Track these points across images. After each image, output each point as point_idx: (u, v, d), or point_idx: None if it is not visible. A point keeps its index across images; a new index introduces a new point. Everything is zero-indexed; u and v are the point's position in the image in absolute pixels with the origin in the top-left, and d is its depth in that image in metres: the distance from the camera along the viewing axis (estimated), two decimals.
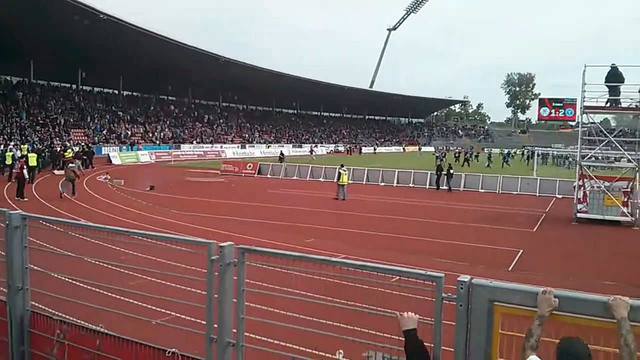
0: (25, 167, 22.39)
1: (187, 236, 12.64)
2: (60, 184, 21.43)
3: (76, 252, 5.13)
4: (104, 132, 49.25)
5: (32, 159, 26.87)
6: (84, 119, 50.03)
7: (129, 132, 52.07)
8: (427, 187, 29.26)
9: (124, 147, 46.26)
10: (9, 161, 27.35)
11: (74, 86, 56.18)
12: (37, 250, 4.60)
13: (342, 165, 25.11)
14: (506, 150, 60.78)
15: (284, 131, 79.51)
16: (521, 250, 13.55)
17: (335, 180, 25.01)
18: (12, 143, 34.76)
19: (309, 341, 3.39)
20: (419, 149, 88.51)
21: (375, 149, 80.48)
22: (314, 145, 68.49)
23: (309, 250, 3.12)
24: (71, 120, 48.15)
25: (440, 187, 28.54)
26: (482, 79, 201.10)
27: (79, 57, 48.42)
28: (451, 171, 29.02)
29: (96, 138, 45.69)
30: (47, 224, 4.83)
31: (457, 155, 56.38)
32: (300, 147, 70.20)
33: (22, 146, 33.05)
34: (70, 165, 24.51)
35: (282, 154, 49.04)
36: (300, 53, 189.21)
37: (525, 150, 69.04)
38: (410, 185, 29.94)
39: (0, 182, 24.52)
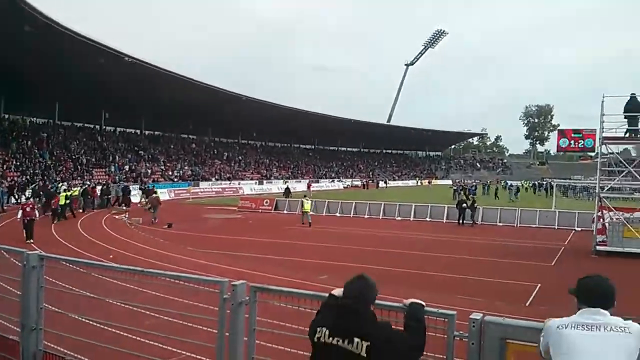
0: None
1: (201, 275, 12.69)
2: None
3: (91, 292, 5.19)
4: (125, 170, 49.96)
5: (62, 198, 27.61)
6: (105, 158, 50.93)
7: (149, 171, 52.77)
8: (444, 221, 29.00)
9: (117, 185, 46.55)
10: (62, 202, 27.39)
11: (97, 127, 57.42)
12: (53, 290, 4.66)
13: (305, 196, 31.15)
14: (513, 183, 59.91)
15: (301, 167, 79.95)
16: (539, 285, 13.29)
17: (299, 209, 29.60)
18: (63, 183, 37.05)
19: None
20: (429, 182, 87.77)
21: (385, 182, 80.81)
22: (328, 181, 69.00)
23: (322, 288, 3.13)
24: (93, 160, 49.02)
25: (464, 222, 27.92)
26: (500, 112, 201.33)
27: (103, 98, 49.55)
28: (475, 204, 28.72)
29: (117, 177, 46.32)
30: (65, 264, 4.91)
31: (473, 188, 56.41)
32: (318, 182, 70.31)
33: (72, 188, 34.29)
34: (154, 195, 29.67)
35: (287, 189, 48.99)
36: (317, 91, 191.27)
37: (537, 182, 68.30)
38: (427, 219, 29.73)
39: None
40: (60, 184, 36.88)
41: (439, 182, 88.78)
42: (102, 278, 5.09)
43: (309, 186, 58.41)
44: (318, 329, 2.99)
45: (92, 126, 57.01)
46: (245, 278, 3.90)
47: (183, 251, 17.92)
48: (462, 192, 45.66)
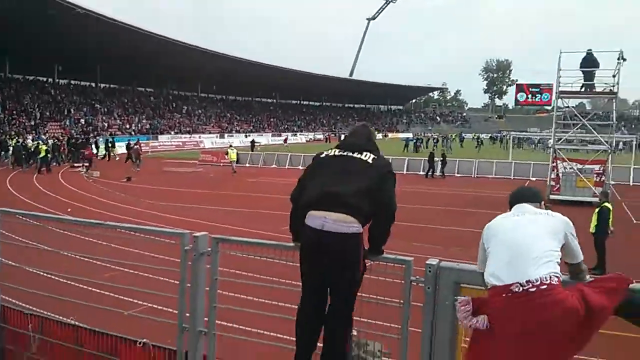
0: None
1: (161, 227, 12.62)
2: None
3: (50, 246, 5.10)
4: (81, 124, 48.47)
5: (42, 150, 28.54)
6: (60, 112, 49.23)
7: (106, 124, 51.34)
8: (404, 172, 29.35)
9: (100, 139, 45.53)
10: (42, 154, 28.27)
11: (50, 80, 55.29)
12: (11, 245, 4.56)
13: (230, 146, 34.21)
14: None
15: (263, 120, 79.18)
16: None
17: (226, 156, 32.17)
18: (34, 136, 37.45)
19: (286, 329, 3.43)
20: (385, 135, 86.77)
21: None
22: (290, 134, 68.88)
23: (284, 238, 3.18)
24: (47, 113, 47.34)
25: (434, 174, 28.22)
26: (460, 66, 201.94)
27: (55, 50, 47.49)
28: (445, 157, 29.17)
29: (73, 131, 44.91)
30: (22, 218, 4.79)
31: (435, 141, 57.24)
32: (279, 136, 69.97)
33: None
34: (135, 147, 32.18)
35: (253, 142, 49.09)
36: (278, 45, 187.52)
37: (480, 136, 69.32)
38: None
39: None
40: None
41: (399, 135, 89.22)
42: (61, 231, 5.00)
43: (285, 140, 61.16)
44: (325, 152, 3.41)
45: (44, 79, 54.86)
46: (206, 230, 3.89)
47: (142, 204, 17.73)
48: (435, 145, 46.82)
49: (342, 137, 3.51)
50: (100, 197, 19.42)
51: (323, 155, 3.37)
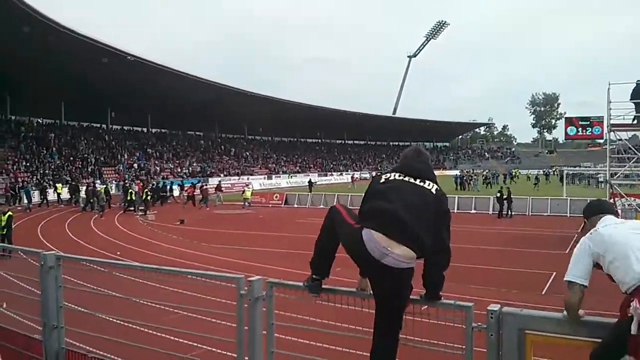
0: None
1: (217, 270, 12.78)
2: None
3: (110, 290, 5.25)
4: (134, 169, 50.21)
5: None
6: (114, 157, 51.22)
7: (158, 168, 53.00)
8: (455, 210, 28.86)
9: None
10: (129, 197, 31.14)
11: (104, 126, 57.91)
12: (72, 290, 4.72)
13: (247, 185, 39.39)
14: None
15: (309, 160, 79.99)
16: (554, 273, 13.25)
17: (242, 195, 35.29)
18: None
19: None
20: None
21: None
22: (355, 173, 68.80)
23: (337, 281, 3.15)
24: (102, 159, 49.32)
25: (502, 213, 27.23)
26: (506, 101, 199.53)
27: (108, 97, 49.90)
28: (510, 195, 27.82)
29: (126, 176, 46.57)
30: (82, 263, 4.97)
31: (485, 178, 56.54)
32: (326, 175, 70.34)
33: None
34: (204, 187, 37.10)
35: (310, 182, 49.46)
36: (323, 85, 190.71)
37: (544, 171, 67.80)
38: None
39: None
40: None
41: (447, 172, 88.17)
42: (121, 276, 5.15)
43: (352, 178, 60.14)
44: (386, 175, 3.29)
45: (98, 125, 57.51)
46: (259, 272, 3.93)
47: (196, 247, 18.04)
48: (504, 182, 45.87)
49: (402, 161, 3.38)
50: (156, 240, 19.88)
51: (384, 179, 3.23)
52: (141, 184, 37.54)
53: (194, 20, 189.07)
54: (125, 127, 60.91)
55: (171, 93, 52.18)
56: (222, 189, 37.61)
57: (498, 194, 27.89)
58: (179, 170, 55.26)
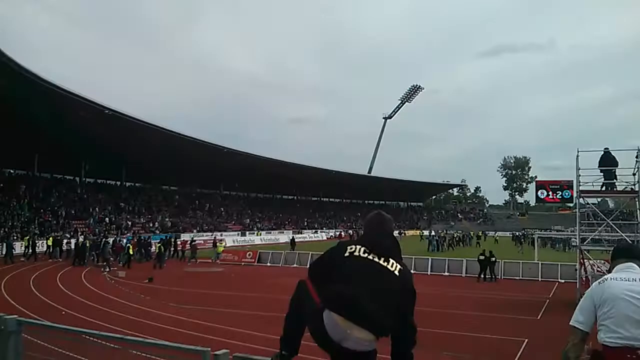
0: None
1: (183, 335, 12.43)
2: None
3: (76, 355, 5.03)
4: (105, 223, 49.30)
5: None
6: (85, 210, 50.35)
7: (130, 223, 52.16)
8: (428, 273, 28.82)
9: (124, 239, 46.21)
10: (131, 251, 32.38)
11: (77, 178, 57.24)
12: (33, 356, 4.53)
13: (220, 241, 42.19)
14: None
15: (284, 217, 79.74)
16: (526, 340, 13.25)
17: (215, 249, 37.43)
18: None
19: None
20: (399, 234, 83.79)
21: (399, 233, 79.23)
22: (311, 232, 69.15)
23: (309, 348, 3.05)
24: (73, 212, 48.43)
25: (485, 277, 27.02)
26: (479, 163, 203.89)
27: (83, 149, 49.54)
28: (492, 259, 27.58)
29: (97, 230, 45.67)
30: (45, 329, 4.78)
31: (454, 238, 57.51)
32: (301, 233, 70.01)
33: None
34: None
35: (293, 239, 49.49)
36: (299, 144, 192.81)
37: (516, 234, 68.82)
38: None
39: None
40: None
41: (418, 232, 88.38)
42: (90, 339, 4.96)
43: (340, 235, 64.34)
44: (350, 247, 3.18)
45: (71, 177, 56.80)
46: (228, 337, 3.84)
47: (164, 308, 17.55)
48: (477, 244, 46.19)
49: (366, 229, 3.35)
50: (123, 299, 19.31)
51: (348, 252, 3.17)
52: (135, 241, 37.71)
53: (172, 75, 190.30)
54: (99, 180, 60.29)
55: (147, 147, 52.11)
56: (197, 248, 37.32)
57: (481, 257, 27.83)
58: (151, 225, 54.42)
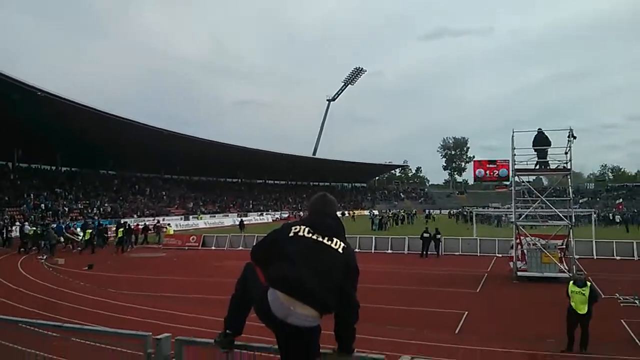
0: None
1: (124, 320, 12.14)
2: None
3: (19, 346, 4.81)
4: (41, 209, 47.29)
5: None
6: (19, 197, 48.13)
7: (67, 209, 50.26)
8: (372, 251, 29.29)
9: (62, 225, 44.52)
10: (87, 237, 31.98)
11: (10, 164, 54.54)
12: None
13: (168, 224, 43.67)
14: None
15: (228, 200, 78.94)
16: (466, 312, 13.72)
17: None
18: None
19: None
20: (353, 214, 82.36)
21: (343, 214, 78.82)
22: (257, 214, 69.10)
23: (251, 326, 3.00)
24: (6, 198, 46.21)
25: (427, 253, 27.56)
26: (420, 143, 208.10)
27: (15, 134, 47.16)
28: (438, 236, 28.34)
29: (32, 217, 43.73)
30: None
31: (398, 216, 58.94)
32: (246, 216, 69.48)
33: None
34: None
35: (242, 222, 49.59)
36: (243, 125, 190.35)
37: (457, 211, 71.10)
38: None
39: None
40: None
41: (364, 212, 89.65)
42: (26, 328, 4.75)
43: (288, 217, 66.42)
44: (294, 227, 3.23)
45: (4, 163, 54.10)
46: (171, 321, 3.74)
47: (103, 294, 17.08)
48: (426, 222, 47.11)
49: (310, 210, 3.42)
50: (62, 286, 18.63)
51: (292, 232, 3.22)
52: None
53: (116, 54, 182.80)
54: (33, 166, 57.69)
55: (83, 131, 50.08)
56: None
57: (425, 234, 28.45)
58: (89, 211, 52.63)
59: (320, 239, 3.16)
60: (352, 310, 3.15)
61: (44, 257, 26.95)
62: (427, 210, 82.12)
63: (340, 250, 3.15)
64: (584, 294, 10.24)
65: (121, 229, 32.51)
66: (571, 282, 10.74)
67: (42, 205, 48.39)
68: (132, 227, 36.28)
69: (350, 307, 3.14)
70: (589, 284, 10.48)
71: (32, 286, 18.48)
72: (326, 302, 2.98)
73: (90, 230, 32.82)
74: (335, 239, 3.18)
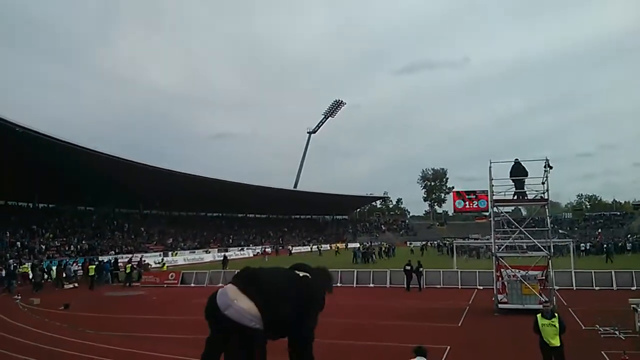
0: None
1: None
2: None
3: None
4: (17, 247, 46.28)
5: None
6: None
7: (44, 247, 49.27)
8: (354, 285, 29.12)
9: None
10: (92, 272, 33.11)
11: None
12: None
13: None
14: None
15: (208, 235, 78.13)
16: (448, 347, 13.66)
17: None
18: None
19: None
20: (337, 247, 79.70)
21: (319, 248, 77.62)
22: (237, 249, 68.78)
23: None
24: None
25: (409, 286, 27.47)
26: (400, 175, 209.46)
27: None
28: (420, 269, 28.21)
29: (8, 254, 42.74)
30: None
31: (382, 249, 58.90)
32: (227, 251, 68.71)
33: None
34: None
35: (225, 257, 49.04)
36: (223, 161, 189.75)
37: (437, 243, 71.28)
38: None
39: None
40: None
41: (350, 245, 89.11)
42: None
43: (265, 252, 69.39)
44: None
45: None
46: None
47: (80, 335, 16.68)
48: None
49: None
50: (38, 328, 18.16)
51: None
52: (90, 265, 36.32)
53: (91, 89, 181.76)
54: (10, 202, 56.72)
55: (61, 166, 49.56)
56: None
57: (407, 267, 28.36)
58: (66, 248, 51.65)
59: (292, 271, 3.62)
60: (304, 338, 3.23)
61: (19, 297, 26.30)
62: (420, 242, 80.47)
63: (302, 277, 3.47)
64: (554, 325, 10.06)
65: (93, 266, 32.35)
66: (538, 315, 10.44)
67: (18, 243, 47.43)
68: (120, 263, 36.65)
69: (302, 332, 3.21)
70: (557, 315, 10.35)
71: (7, 327, 17.99)
72: (274, 303, 3.07)
73: (93, 267, 33.86)
74: (303, 272, 3.59)
